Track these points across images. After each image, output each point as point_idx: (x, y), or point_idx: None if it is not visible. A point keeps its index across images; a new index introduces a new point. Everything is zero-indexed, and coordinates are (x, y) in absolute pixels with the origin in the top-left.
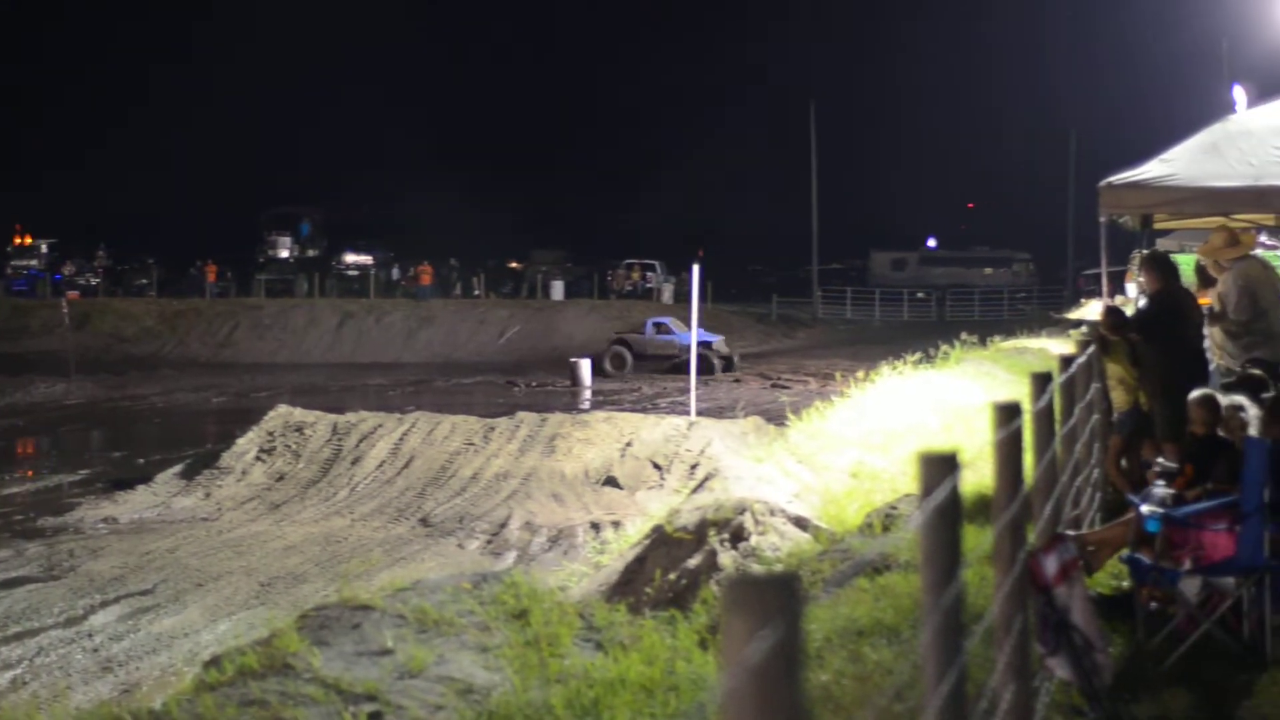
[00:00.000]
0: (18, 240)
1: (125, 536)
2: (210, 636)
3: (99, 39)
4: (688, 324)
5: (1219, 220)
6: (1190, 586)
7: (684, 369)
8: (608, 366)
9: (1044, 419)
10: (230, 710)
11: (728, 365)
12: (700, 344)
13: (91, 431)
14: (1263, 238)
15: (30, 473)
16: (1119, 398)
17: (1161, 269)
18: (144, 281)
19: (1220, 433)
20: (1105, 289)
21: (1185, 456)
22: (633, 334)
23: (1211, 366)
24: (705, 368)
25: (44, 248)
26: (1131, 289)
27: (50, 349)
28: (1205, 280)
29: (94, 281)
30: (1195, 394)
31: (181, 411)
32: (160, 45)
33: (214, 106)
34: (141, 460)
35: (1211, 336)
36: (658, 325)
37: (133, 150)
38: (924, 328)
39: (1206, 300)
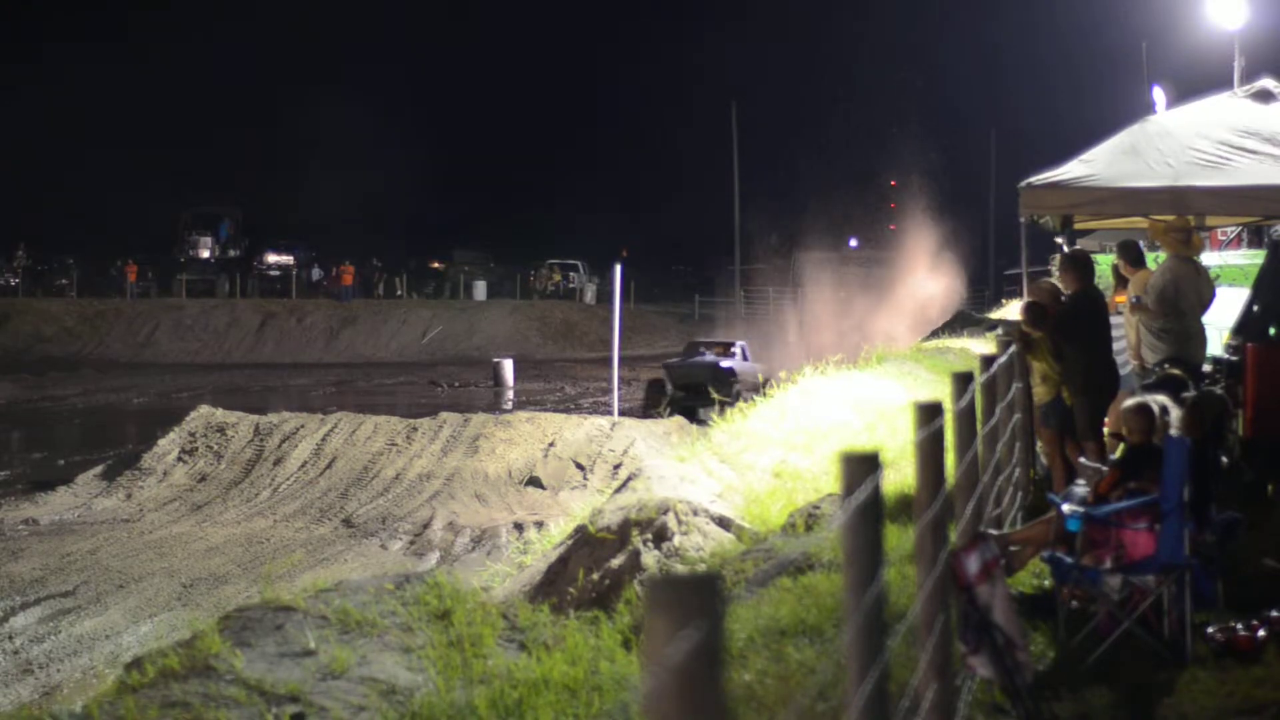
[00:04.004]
0: None
1: (46, 538)
2: (132, 638)
3: (14, 36)
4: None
5: (1139, 221)
6: (1111, 585)
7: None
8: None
9: (966, 419)
10: (152, 712)
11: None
12: (721, 369)
13: (11, 432)
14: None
15: None
16: (1042, 391)
17: (1080, 269)
18: (64, 281)
19: (1155, 440)
20: (1025, 289)
21: (1119, 463)
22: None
23: (1128, 369)
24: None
25: None
26: None
27: None
28: (1121, 281)
29: (13, 281)
30: (1130, 403)
31: (102, 412)
32: (75, 42)
33: (133, 104)
34: (62, 461)
35: (1128, 331)
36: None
37: (51, 149)
38: (846, 327)
39: (1122, 298)
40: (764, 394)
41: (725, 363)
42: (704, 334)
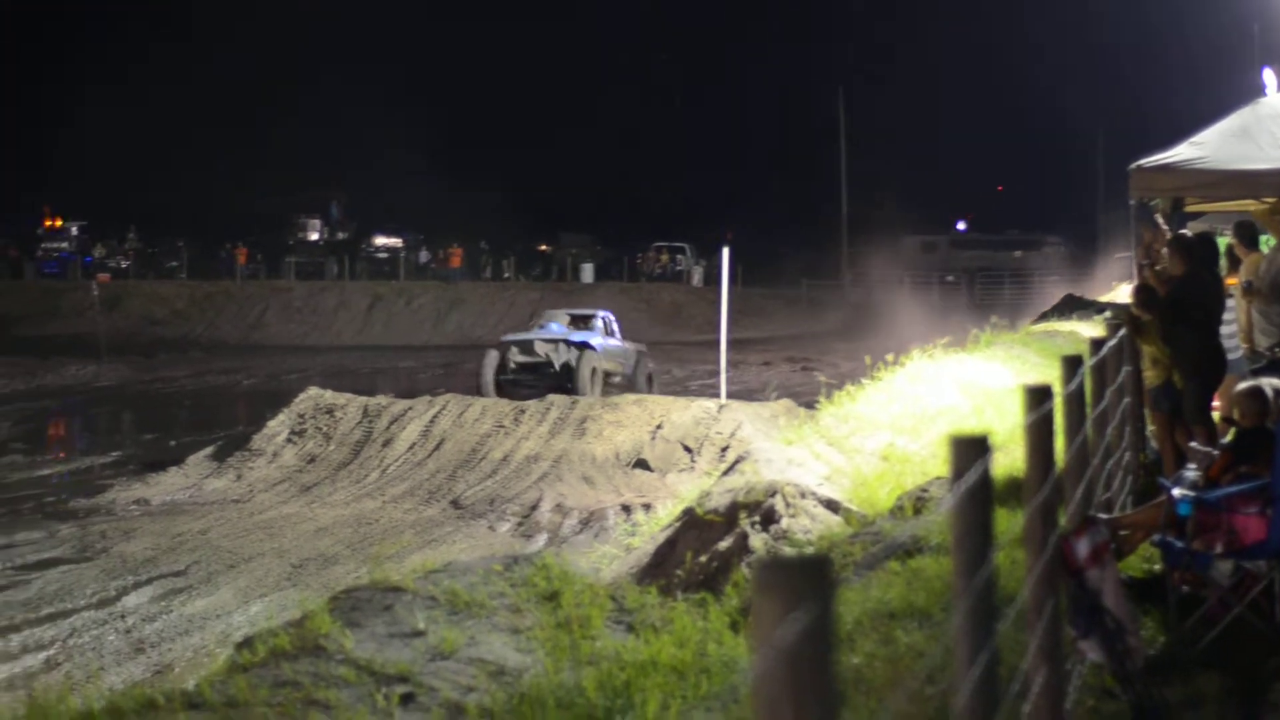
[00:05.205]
0: (48, 223)
1: (157, 518)
2: (242, 618)
3: (125, 22)
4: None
5: (1250, 204)
6: (1222, 570)
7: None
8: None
9: (1075, 402)
10: (263, 691)
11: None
12: (574, 344)
13: (122, 413)
14: None
15: (62, 454)
16: (1152, 375)
17: (1188, 252)
18: (174, 264)
19: (1267, 424)
20: (1135, 271)
21: (1230, 447)
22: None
23: (1238, 353)
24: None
25: (74, 230)
26: None
27: (81, 331)
28: (1236, 262)
29: (124, 264)
30: (1242, 386)
31: (212, 393)
32: (185, 27)
33: (243, 87)
34: (173, 442)
35: (1239, 314)
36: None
37: (162, 133)
38: (954, 311)
39: (1233, 281)
40: (639, 381)
41: (579, 337)
42: (810, 318)
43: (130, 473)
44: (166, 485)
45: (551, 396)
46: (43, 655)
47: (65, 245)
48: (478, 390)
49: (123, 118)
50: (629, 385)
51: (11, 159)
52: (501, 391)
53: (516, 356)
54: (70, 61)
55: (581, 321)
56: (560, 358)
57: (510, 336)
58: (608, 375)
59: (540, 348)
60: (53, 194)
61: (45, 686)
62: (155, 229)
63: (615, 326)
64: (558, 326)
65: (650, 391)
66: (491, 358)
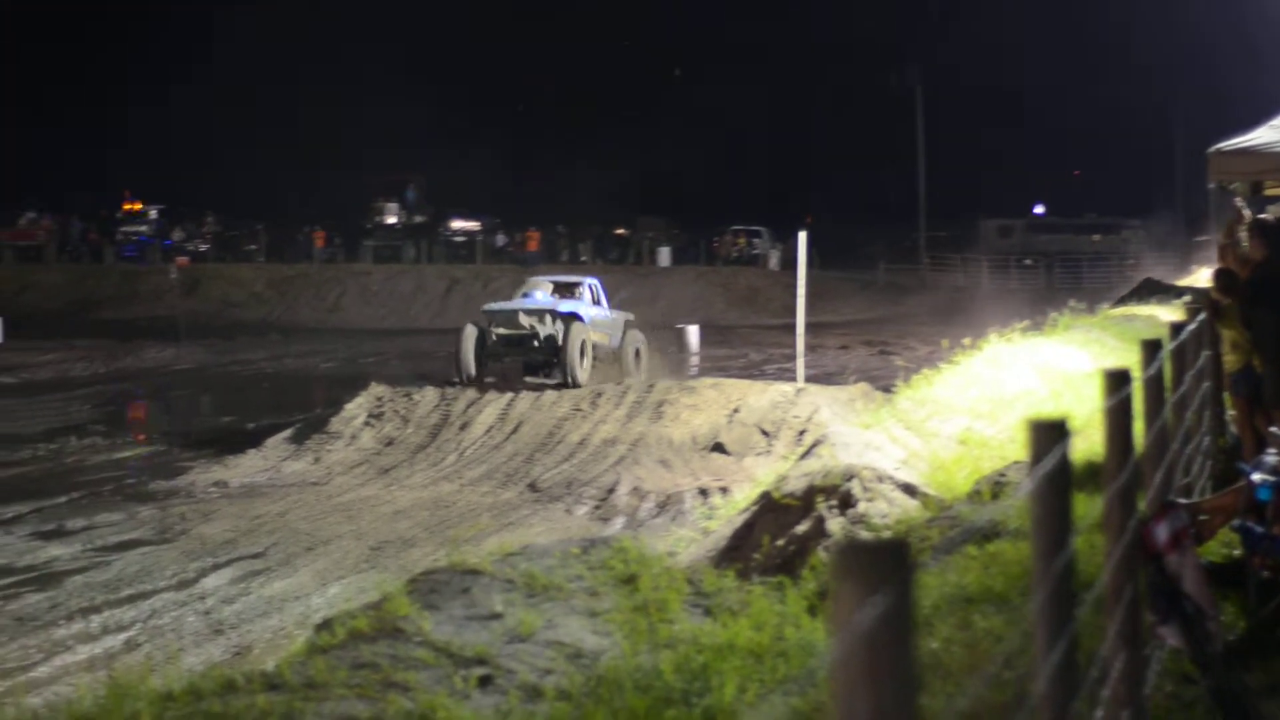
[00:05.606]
0: (127, 206)
1: (236, 500)
2: (321, 600)
3: (205, 11)
4: None
5: None
6: None
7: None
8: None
9: (1154, 386)
10: (341, 673)
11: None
12: (561, 315)
13: (201, 396)
14: None
15: (141, 437)
16: (1232, 359)
17: (1268, 236)
18: (252, 247)
19: None
20: (1217, 255)
21: None
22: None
23: None
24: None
25: (153, 214)
26: None
27: (160, 314)
28: None
29: (203, 247)
30: None
31: (290, 376)
32: (265, 9)
33: (321, 70)
34: (251, 425)
35: None
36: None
37: (240, 116)
38: (1032, 295)
39: None
40: (627, 352)
41: (567, 307)
42: (887, 302)
43: (209, 455)
44: (245, 467)
45: (628, 380)
46: (123, 636)
47: (144, 229)
48: (457, 370)
49: (201, 101)
50: (616, 357)
51: (91, 143)
52: (483, 368)
53: (498, 329)
54: (148, 45)
55: (566, 290)
56: (545, 329)
57: (491, 306)
58: (595, 347)
59: (524, 319)
60: (131, 178)
61: (125, 667)
62: (233, 212)
63: (603, 295)
64: (542, 295)
65: (638, 364)
66: (470, 332)
